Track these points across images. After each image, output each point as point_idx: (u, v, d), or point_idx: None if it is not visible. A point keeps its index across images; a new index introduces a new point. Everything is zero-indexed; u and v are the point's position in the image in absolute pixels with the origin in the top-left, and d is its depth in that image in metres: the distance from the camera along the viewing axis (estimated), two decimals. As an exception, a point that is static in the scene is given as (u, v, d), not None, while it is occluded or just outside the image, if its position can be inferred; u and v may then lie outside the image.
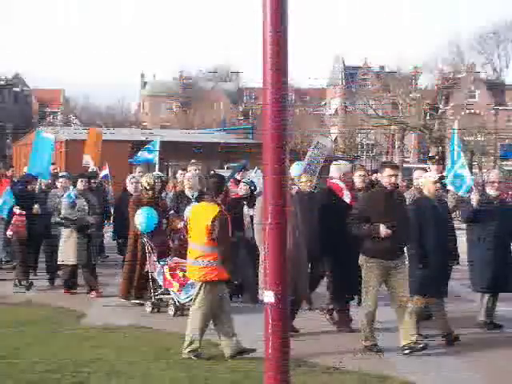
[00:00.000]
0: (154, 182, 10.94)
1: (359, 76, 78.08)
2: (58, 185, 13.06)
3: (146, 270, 10.47)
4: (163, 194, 12.24)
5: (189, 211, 9.23)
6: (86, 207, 11.76)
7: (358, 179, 10.44)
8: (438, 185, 8.77)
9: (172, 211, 11.11)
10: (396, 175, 8.23)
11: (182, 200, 11.45)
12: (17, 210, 12.22)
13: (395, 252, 8.14)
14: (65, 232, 11.67)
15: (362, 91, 65.36)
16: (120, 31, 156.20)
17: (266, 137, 4.27)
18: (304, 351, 7.85)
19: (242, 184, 11.53)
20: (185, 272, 9.12)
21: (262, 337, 4.43)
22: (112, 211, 14.31)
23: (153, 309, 10.28)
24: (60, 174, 14.42)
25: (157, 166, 16.57)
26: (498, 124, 68.86)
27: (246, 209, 11.13)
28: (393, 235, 7.96)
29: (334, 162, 9.74)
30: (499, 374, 7.46)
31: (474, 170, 47.67)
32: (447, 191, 10.33)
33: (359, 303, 9.01)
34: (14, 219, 12.19)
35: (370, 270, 8.12)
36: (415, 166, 42.09)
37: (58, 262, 11.93)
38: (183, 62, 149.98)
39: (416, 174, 10.67)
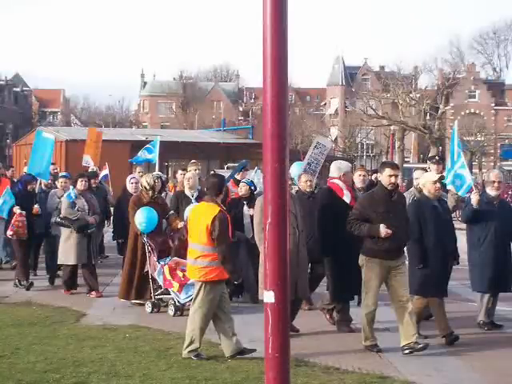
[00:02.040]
0: (154, 182, 10.92)
1: (359, 76, 78.23)
2: (58, 185, 13.05)
3: (145, 270, 10.46)
4: (163, 194, 12.22)
5: (189, 211, 9.22)
6: (86, 207, 11.76)
7: (357, 179, 10.45)
8: (438, 185, 8.75)
9: (172, 211, 11.10)
10: (396, 175, 8.22)
11: (181, 200, 11.46)
12: (17, 210, 12.20)
13: (395, 252, 8.13)
14: (65, 232, 11.67)
15: (363, 91, 65.44)
16: (120, 31, 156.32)
17: (265, 137, 4.26)
18: (304, 351, 7.85)
19: (241, 184, 11.53)
20: (185, 272, 9.11)
21: (262, 337, 4.43)
22: (112, 211, 14.31)
23: (153, 309, 10.28)
24: (60, 174, 14.41)
25: (157, 166, 16.55)
26: (498, 124, 68.95)
27: (245, 209, 11.13)
28: (393, 235, 7.95)
29: (334, 162, 9.73)
30: (499, 374, 7.45)
31: (473, 170, 47.74)
32: (447, 191, 10.31)
33: (359, 303, 9.00)
34: (13, 219, 12.17)
35: (370, 270, 8.11)
36: (415, 166, 42.10)
37: (58, 262, 11.94)
38: (183, 62, 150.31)
39: (416, 174, 10.66)
